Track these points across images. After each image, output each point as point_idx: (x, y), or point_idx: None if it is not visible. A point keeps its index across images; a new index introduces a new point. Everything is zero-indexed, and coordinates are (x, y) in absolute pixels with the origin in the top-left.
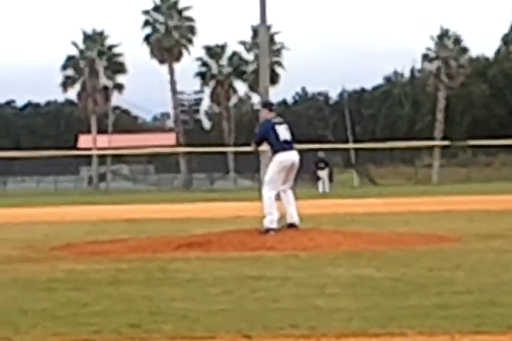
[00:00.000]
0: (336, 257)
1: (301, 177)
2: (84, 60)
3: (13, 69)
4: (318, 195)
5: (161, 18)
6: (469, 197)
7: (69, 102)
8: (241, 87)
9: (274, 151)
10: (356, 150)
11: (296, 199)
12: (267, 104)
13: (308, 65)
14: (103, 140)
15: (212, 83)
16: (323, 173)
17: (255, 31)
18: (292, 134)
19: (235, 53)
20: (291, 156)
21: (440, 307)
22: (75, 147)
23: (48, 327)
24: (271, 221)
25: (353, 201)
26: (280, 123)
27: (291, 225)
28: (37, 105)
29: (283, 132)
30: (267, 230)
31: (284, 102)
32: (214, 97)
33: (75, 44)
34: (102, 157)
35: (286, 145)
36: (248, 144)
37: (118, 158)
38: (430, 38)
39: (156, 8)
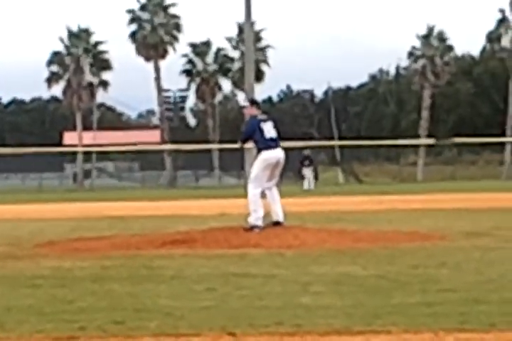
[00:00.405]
0: (321, 255)
1: (286, 174)
2: (69, 57)
3: None
4: (303, 193)
5: (146, 15)
6: (454, 195)
7: (54, 99)
8: (226, 84)
9: (260, 149)
10: (341, 147)
11: (281, 197)
12: (254, 101)
13: (293, 62)
14: (88, 137)
15: (197, 80)
16: (308, 171)
17: (241, 28)
18: (278, 132)
19: (220, 50)
20: (277, 154)
21: (424, 305)
22: (59, 144)
23: (32, 324)
24: (256, 218)
25: (338, 199)
26: (266, 121)
27: (276, 223)
28: (22, 102)
29: (269, 129)
30: (252, 227)
31: (269, 100)
32: (199, 94)
33: (61, 39)
34: (86, 154)
35: (272, 143)
36: (233, 141)
37: (103, 155)
38: (416, 36)
39: (142, 6)
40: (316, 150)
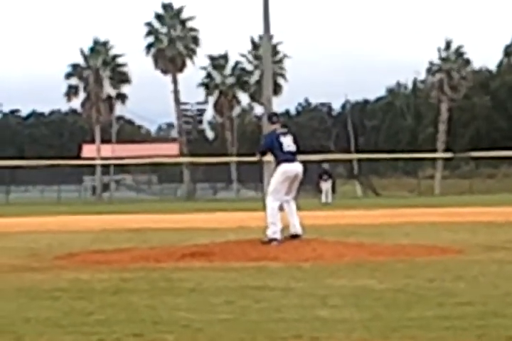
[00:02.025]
0: (339, 268)
1: (304, 188)
2: (88, 70)
3: (18, 78)
4: (321, 206)
5: (164, 28)
6: (471, 208)
7: (73, 112)
8: (244, 97)
9: (278, 162)
10: (359, 161)
11: (299, 210)
12: (271, 116)
13: (311, 76)
14: (106, 149)
15: (215, 93)
16: (327, 185)
17: (254, 43)
18: (297, 145)
19: (237, 63)
20: (295, 167)
21: (442, 319)
22: (78, 156)
23: (51, 336)
24: (274, 231)
25: (356, 212)
26: (285, 134)
27: (294, 236)
28: (41, 114)
29: (287, 143)
30: (270, 240)
31: (287, 113)
32: (217, 107)
33: (82, 51)
34: (105, 166)
35: (290, 157)
36: (251, 154)
37: (121, 168)
38: (433, 50)
39: (160, 19)
40: (333, 163)
